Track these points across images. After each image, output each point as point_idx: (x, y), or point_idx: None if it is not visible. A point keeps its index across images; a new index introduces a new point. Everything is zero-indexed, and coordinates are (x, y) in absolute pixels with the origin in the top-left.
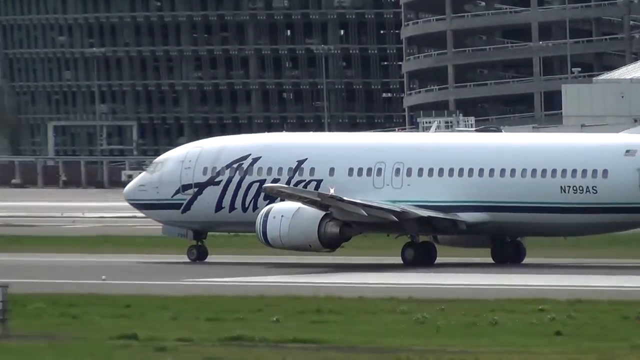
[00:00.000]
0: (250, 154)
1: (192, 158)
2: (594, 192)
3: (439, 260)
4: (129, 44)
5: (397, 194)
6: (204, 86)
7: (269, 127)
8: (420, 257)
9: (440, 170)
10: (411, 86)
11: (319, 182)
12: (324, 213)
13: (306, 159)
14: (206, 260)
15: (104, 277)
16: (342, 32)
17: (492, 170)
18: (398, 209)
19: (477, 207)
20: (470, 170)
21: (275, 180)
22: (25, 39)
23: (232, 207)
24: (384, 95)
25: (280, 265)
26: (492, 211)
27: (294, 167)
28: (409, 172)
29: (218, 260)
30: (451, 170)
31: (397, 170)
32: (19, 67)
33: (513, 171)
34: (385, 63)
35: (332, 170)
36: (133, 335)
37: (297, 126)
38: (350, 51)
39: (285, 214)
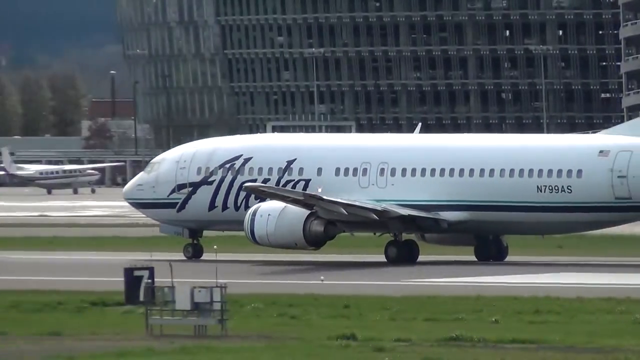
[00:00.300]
0: (242, 155)
1: (187, 158)
2: (569, 191)
3: (421, 258)
4: (348, 45)
5: (382, 194)
6: (422, 86)
7: (487, 127)
8: (402, 255)
9: (423, 170)
10: (630, 87)
11: (307, 181)
12: (309, 212)
13: (295, 159)
14: (201, 258)
15: (322, 277)
16: (560, 32)
17: (472, 170)
18: (379, 208)
19: (457, 206)
20: (451, 171)
21: (266, 180)
22: (244, 39)
23: (224, 207)
24: (603, 95)
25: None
26: (472, 210)
27: (283, 167)
28: (393, 172)
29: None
30: (433, 171)
31: (382, 170)
32: (238, 68)
33: (492, 171)
34: (604, 63)
35: (319, 171)
36: (351, 335)
37: (516, 127)
38: (569, 51)
39: (272, 213)
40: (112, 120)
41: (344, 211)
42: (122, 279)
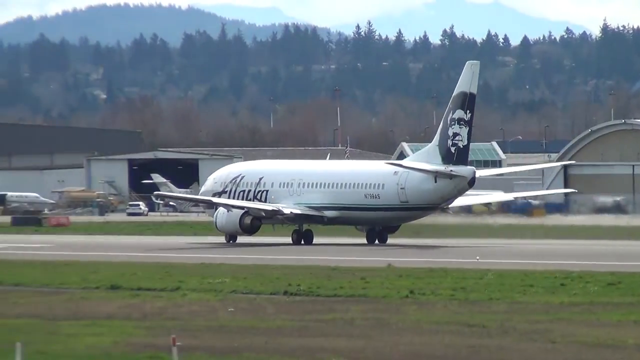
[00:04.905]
0: (240, 174)
1: (218, 177)
2: (378, 198)
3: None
4: None
5: (299, 199)
6: None
7: None
8: (302, 239)
9: (317, 184)
10: None
11: (266, 191)
12: (244, 210)
13: (263, 177)
14: (237, 242)
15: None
16: None
17: (338, 184)
18: (270, 208)
19: (333, 207)
20: (329, 184)
21: (249, 190)
22: None
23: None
24: None
25: None
26: (340, 210)
27: (257, 181)
28: (304, 185)
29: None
30: (322, 184)
31: (299, 184)
32: None
33: (347, 185)
34: None
35: (272, 184)
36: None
37: None
38: None
39: (224, 211)
40: None
41: (229, 209)
42: None
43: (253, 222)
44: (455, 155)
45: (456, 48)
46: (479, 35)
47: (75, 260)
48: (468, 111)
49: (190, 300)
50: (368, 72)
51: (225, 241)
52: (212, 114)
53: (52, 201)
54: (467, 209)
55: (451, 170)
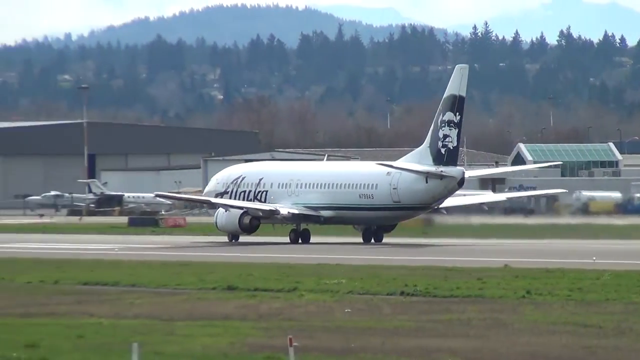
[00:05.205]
0: (241, 175)
1: (220, 177)
2: (372, 198)
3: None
4: None
5: (297, 199)
6: None
7: None
8: (299, 238)
9: (314, 185)
10: None
11: (266, 191)
12: (243, 210)
13: (262, 177)
14: (239, 241)
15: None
16: None
17: (333, 185)
18: (268, 208)
19: (329, 207)
20: (325, 185)
21: (250, 191)
22: None
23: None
24: None
25: None
26: (335, 210)
27: (257, 182)
28: (302, 186)
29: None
30: (318, 185)
31: (297, 184)
32: None
33: (341, 185)
34: None
35: (272, 185)
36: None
37: None
38: None
39: (224, 211)
40: None
41: (228, 209)
42: None
43: (252, 222)
44: (445, 156)
45: (573, 48)
46: (595, 36)
47: (191, 261)
48: (457, 113)
49: (307, 301)
50: (485, 73)
51: (228, 240)
52: (329, 114)
53: (169, 202)
54: (585, 209)
55: (441, 171)
